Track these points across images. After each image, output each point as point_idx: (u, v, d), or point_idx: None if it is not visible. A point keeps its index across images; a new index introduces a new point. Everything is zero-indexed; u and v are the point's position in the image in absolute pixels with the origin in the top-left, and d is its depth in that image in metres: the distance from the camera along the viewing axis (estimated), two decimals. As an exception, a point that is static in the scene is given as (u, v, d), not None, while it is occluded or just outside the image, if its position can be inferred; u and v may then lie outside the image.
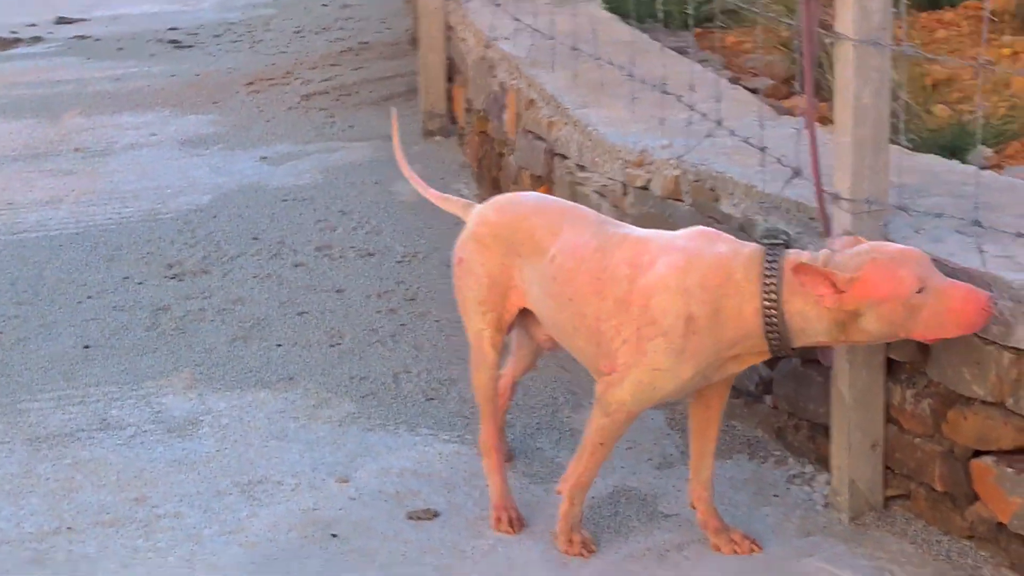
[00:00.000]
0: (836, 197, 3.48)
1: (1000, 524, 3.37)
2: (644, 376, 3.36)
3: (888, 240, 3.43)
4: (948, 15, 6.17)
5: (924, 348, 3.48)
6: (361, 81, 8.75)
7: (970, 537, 3.49)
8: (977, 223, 3.27)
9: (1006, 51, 5.59)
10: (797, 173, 3.75)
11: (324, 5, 11.47)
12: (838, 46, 3.41)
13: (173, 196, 6.69)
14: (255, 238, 6.05)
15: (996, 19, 5.85)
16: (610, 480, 3.87)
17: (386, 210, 6.37)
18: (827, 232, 3.56)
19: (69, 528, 3.80)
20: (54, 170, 7.24)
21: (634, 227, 3.58)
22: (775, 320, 3.23)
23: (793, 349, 3.31)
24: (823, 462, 3.83)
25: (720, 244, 3.36)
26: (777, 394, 4.01)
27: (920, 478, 3.58)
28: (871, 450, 3.63)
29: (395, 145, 4.15)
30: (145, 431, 4.35)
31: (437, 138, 7.36)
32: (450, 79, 7.37)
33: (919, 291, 3.13)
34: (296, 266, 5.72)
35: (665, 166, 4.37)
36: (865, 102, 3.40)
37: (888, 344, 3.55)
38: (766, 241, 3.31)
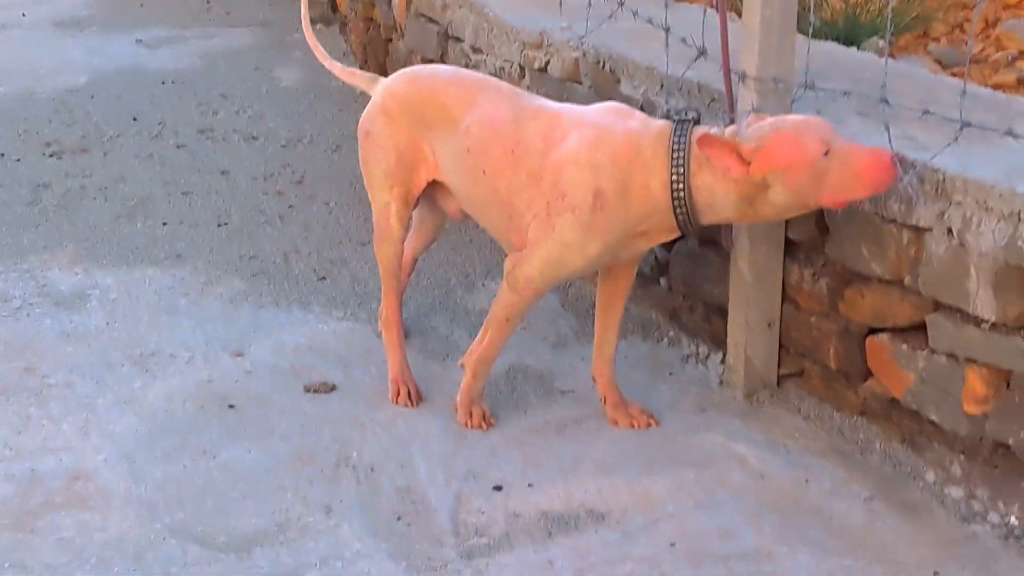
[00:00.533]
0: (743, 76, 3.51)
1: (893, 400, 3.45)
2: (552, 251, 3.36)
3: (793, 120, 3.48)
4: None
5: (823, 228, 3.53)
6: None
7: (862, 413, 3.57)
8: (885, 101, 3.31)
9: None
10: (702, 53, 3.76)
11: None
12: (750, -75, 3.43)
13: (48, 76, 6.55)
14: (135, 119, 5.96)
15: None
16: (507, 359, 3.86)
17: (268, 95, 6.30)
18: (731, 111, 3.59)
19: (-42, 396, 3.74)
20: (-79, 47, 7.05)
21: (548, 100, 3.56)
22: (682, 195, 3.25)
23: (701, 226, 3.33)
24: (718, 343, 3.88)
25: (631, 120, 3.36)
26: (673, 275, 4.05)
27: (815, 356, 3.64)
28: (767, 328, 3.69)
29: (303, 12, 4.06)
30: (31, 304, 4.28)
31: (319, 26, 7.22)
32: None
33: (824, 155, 3.16)
34: (178, 147, 5.65)
35: (564, 48, 4.36)
36: (774, -18, 3.42)
37: (787, 223, 3.60)
38: (676, 117, 3.32)
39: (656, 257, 4.10)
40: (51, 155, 5.54)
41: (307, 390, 3.79)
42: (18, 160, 5.49)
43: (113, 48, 7.03)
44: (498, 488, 3.36)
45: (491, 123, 3.45)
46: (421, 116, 3.58)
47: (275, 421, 3.65)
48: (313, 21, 7.10)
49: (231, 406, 3.72)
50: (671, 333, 4.06)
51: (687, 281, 3.99)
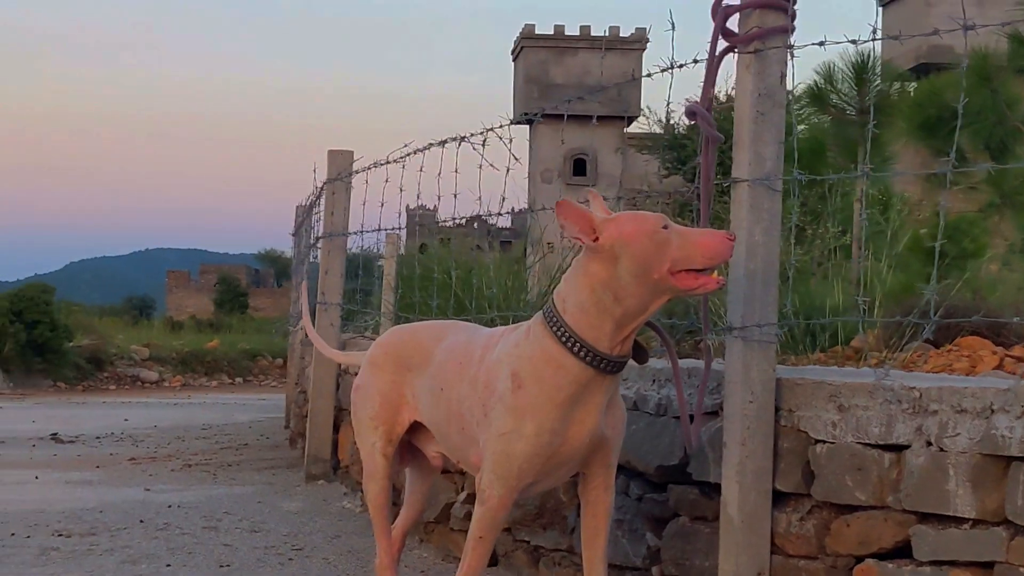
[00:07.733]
0: (729, 328, 3.81)
1: (884, 629, 3.53)
2: (496, 446, 3.51)
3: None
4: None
5: (808, 475, 3.73)
6: (242, 460, 9.03)
7: (853, 656, 3.63)
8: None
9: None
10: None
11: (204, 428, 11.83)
12: (734, 188, 3.83)
13: (59, 502, 6.79)
14: (141, 521, 6.16)
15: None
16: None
17: (271, 513, 6.51)
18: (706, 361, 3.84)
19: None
20: None
21: (506, 327, 3.82)
22: (563, 327, 3.42)
23: (604, 357, 3.42)
24: (712, 615, 3.97)
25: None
26: (664, 560, 4.17)
27: (806, 602, 3.74)
28: (757, 577, 3.80)
29: (304, 310, 4.50)
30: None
31: (320, 482, 7.54)
32: (335, 428, 7.61)
33: (663, 227, 3.37)
34: (182, 534, 5.81)
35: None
36: (757, 239, 3.79)
37: (774, 473, 3.79)
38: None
39: (648, 546, 4.23)
40: (59, 535, 5.71)
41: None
42: (28, 537, 5.65)
43: (122, 493, 7.28)
44: None
45: (451, 347, 3.79)
46: (401, 358, 3.94)
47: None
48: (315, 477, 7.49)
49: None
50: (664, 619, 4.13)
51: (678, 562, 4.10)
